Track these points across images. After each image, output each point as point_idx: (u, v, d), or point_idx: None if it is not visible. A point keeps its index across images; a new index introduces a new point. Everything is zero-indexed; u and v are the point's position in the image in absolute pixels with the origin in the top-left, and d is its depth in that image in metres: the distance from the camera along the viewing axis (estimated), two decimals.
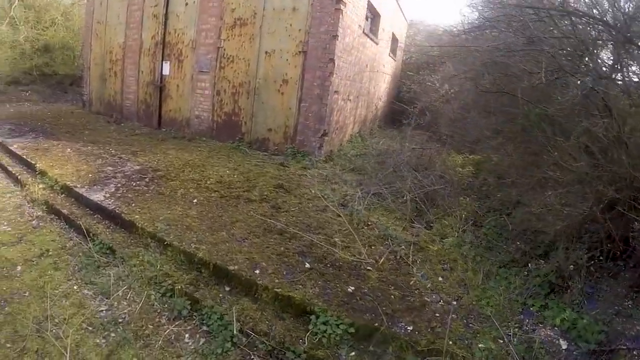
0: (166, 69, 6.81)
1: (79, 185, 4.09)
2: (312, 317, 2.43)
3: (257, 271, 2.80)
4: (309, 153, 5.53)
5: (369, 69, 7.32)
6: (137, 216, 3.43)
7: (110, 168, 4.66)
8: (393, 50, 9.92)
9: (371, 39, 7.03)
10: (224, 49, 6.07)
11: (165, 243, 3.09)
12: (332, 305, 2.50)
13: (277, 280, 2.69)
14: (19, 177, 4.56)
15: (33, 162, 4.69)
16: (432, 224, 3.83)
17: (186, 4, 6.46)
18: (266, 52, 5.70)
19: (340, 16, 5.12)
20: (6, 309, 2.55)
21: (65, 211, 3.77)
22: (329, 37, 5.19)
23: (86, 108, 9.53)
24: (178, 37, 6.59)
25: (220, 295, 2.68)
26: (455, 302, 2.70)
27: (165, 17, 6.72)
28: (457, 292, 2.82)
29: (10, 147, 5.68)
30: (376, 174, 4.85)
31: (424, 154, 5.50)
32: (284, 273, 2.80)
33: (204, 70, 6.30)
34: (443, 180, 4.60)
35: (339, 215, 3.73)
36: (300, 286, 2.66)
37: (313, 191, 4.32)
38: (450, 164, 5.58)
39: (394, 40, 9.78)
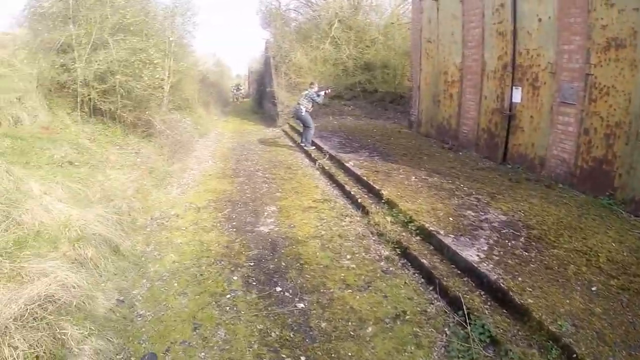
0: (517, 95, 8.17)
1: (441, 232, 4.64)
2: None
3: None
4: None
5: None
6: (529, 300, 3.42)
7: (470, 213, 5.32)
8: None
9: None
10: (595, 77, 6.33)
11: (574, 357, 2.92)
12: None
13: None
14: (359, 200, 6.47)
15: (377, 188, 6.51)
16: None
17: (539, 19, 7.36)
18: None
19: None
20: None
21: (425, 262, 4.28)
22: None
23: (413, 129, 12.67)
24: (532, 59, 7.72)
25: None
26: None
27: (513, 35, 8.14)
28: None
29: (346, 164, 8.27)
30: None
31: None
32: None
33: (568, 101, 6.80)
34: None
35: None
36: None
37: None
38: None
39: None
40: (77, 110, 8.15)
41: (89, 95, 8.11)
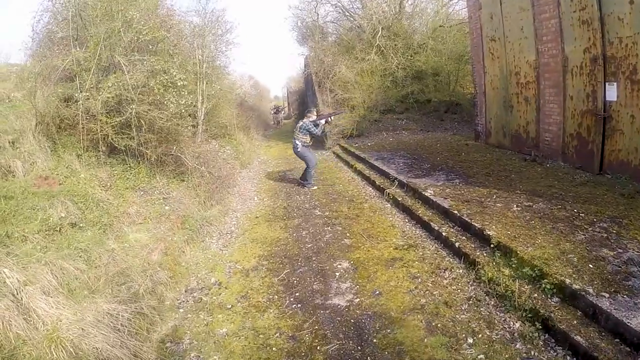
0: (611, 93, 7.35)
1: (589, 290, 3.67)
2: None
3: None
4: None
5: None
6: None
7: (607, 252, 4.36)
8: None
9: None
10: None
11: None
12: None
13: None
14: (456, 244, 5.41)
15: (477, 226, 5.41)
16: None
17: (631, 1, 6.56)
18: None
19: None
20: None
21: (579, 340, 3.30)
22: None
23: (481, 140, 11.91)
24: (627, 49, 6.91)
25: None
26: None
27: (600, 23, 7.38)
28: None
29: (424, 193, 7.22)
30: None
31: None
32: None
33: None
34: None
35: None
36: None
37: None
38: None
39: None
40: (89, 151, 6.91)
41: (102, 131, 6.81)
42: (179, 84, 7.67)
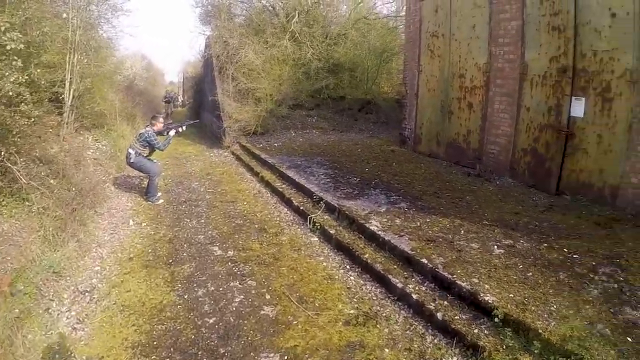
0: (578, 108, 7.10)
1: None
2: None
3: None
4: None
5: None
6: None
7: (633, 313, 3.85)
8: None
9: None
10: None
11: None
12: None
13: None
14: (440, 316, 4.14)
15: (467, 287, 4.26)
16: None
17: (613, 14, 6.36)
18: None
19: None
20: None
21: None
22: None
23: (408, 146, 11.36)
24: (602, 64, 6.65)
25: None
26: None
27: (574, 32, 7.14)
28: None
29: (368, 226, 5.85)
30: None
31: None
32: None
33: None
34: None
35: None
36: None
37: None
38: None
39: None
40: None
41: None
42: (8, 47, 5.37)
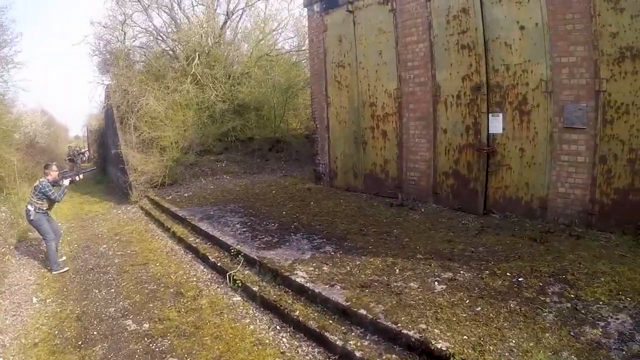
0: (496, 125, 7.00)
1: None
2: None
3: None
4: None
5: None
6: None
7: (595, 333, 3.59)
8: None
9: None
10: (608, 94, 5.84)
11: None
12: None
13: None
14: None
15: (414, 336, 3.79)
16: None
17: (522, 27, 6.43)
18: None
19: None
20: None
21: None
22: None
23: (324, 182, 10.86)
24: (516, 77, 6.64)
25: None
26: None
27: (484, 48, 7.15)
28: None
29: (295, 278, 5.27)
30: None
31: None
32: None
33: (575, 125, 6.11)
34: None
35: None
36: None
37: None
38: None
39: None
40: None
41: None
42: None
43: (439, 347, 3.57)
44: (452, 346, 3.54)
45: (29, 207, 7.39)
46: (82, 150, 29.34)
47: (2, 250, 8.19)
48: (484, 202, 7.31)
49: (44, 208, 7.44)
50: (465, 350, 3.46)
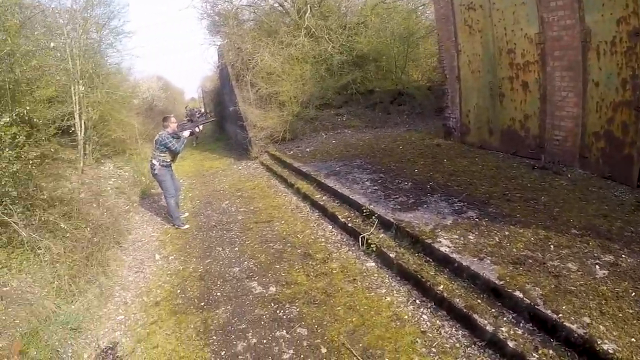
0: None
1: None
2: None
3: None
4: None
5: None
6: None
7: None
8: None
9: None
10: None
11: None
12: None
13: None
14: None
15: (578, 331, 3.33)
16: None
17: None
18: None
19: None
20: None
21: None
22: None
23: (454, 138, 10.22)
24: None
25: None
26: None
27: None
28: None
29: (438, 247, 4.89)
30: None
31: None
32: None
33: None
34: None
35: None
36: None
37: None
38: None
39: None
40: None
41: None
42: None
43: (605, 348, 3.15)
44: (620, 349, 3.09)
45: (154, 161, 7.68)
46: (197, 111, 31.09)
47: (126, 207, 8.88)
48: (639, 172, 6.23)
49: (168, 160, 7.75)
50: (635, 358, 3.03)
